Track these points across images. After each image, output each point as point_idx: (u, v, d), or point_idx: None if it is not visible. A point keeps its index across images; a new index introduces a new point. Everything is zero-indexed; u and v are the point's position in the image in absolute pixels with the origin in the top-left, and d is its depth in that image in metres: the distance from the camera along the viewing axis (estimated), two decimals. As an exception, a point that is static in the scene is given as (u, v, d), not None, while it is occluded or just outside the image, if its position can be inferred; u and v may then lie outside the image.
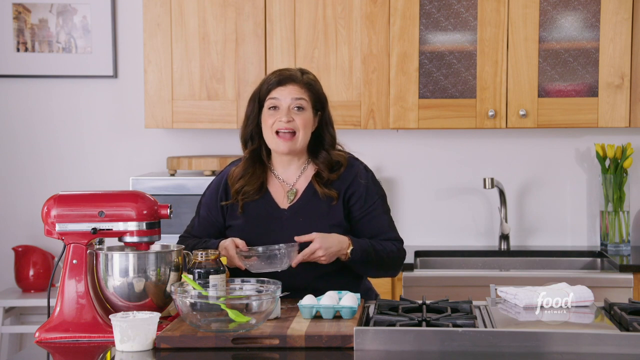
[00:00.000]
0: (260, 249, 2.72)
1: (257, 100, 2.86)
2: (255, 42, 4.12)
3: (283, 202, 2.88)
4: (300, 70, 2.89)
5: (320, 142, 2.90)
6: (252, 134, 2.89)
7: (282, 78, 2.83)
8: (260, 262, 2.71)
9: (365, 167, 2.94)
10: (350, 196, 2.86)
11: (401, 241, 2.91)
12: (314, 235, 2.72)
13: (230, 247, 2.74)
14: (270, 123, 2.81)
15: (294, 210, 2.86)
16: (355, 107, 4.11)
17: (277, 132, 2.81)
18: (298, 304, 2.52)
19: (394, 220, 2.97)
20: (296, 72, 2.87)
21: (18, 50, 4.44)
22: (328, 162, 2.88)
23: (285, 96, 2.81)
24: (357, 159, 2.95)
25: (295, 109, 2.81)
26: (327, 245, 2.72)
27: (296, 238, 2.72)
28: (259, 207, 2.87)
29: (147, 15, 4.12)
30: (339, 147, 2.95)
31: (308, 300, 2.53)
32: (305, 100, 2.82)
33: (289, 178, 2.90)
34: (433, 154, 4.43)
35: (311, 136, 2.88)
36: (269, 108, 2.82)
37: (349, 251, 2.76)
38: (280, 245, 2.72)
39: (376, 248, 2.82)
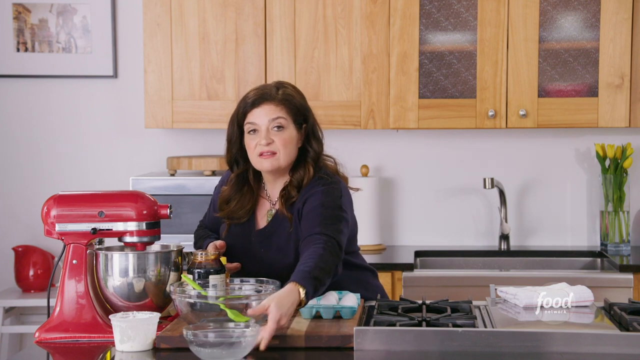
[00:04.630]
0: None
1: (236, 124, 2.76)
2: (255, 42, 4.12)
3: (261, 222, 2.81)
4: (276, 85, 2.77)
5: (304, 157, 2.77)
6: (237, 157, 2.80)
7: (256, 98, 2.71)
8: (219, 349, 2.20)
9: (325, 182, 2.73)
10: (300, 210, 2.72)
11: (328, 235, 2.58)
12: (267, 305, 2.30)
13: (210, 249, 2.72)
14: (252, 146, 2.72)
15: (260, 238, 2.78)
16: (355, 107, 4.11)
17: (260, 154, 2.71)
18: (298, 304, 2.51)
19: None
20: (271, 90, 2.74)
21: (18, 50, 4.44)
22: (300, 179, 2.75)
23: (262, 118, 2.70)
24: (323, 177, 2.75)
25: (275, 129, 2.70)
26: (284, 310, 2.30)
27: (249, 312, 2.31)
28: (241, 228, 2.82)
29: (147, 15, 4.12)
30: (328, 159, 2.83)
31: (308, 300, 2.53)
32: (283, 118, 2.70)
33: (274, 197, 2.82)
34: (433, 154, 4.43)
35: (300, 150, 2.77)
36: (249, 132, 2.72)
37: (302, 297, 2.38)
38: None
39: (311, 266, 2.47)
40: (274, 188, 2.81)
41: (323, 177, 2.75)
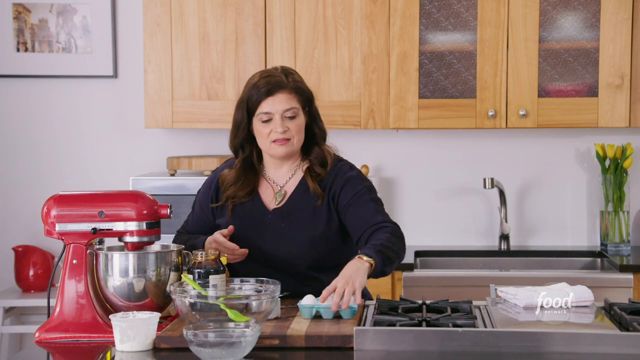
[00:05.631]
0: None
1: (246, 109, 2.82)
2: (255, 42, 4.12)
3: (271, 204, 2.86)
4: (283, 72, 2.83)
5: (312, 137, 2.88)
6: (243, 142, 2.87)
7: (270, 88, 2.77)
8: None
9: (351, 165, 2.90)
10: (335, 192, 2.81)
11: (393, 222, 2.77)
12: (333, 285, 2.49)
13: (217, 235, 2.75)
14: (265, 133, 2.79)
15: (278, 215, 2.84)
16: (355, 107, 4.11)
17: (274, 140, 2.79)
18: (298, 304, 2.52)
19: (395, 219, 2.94)
20: (282, 77, 2.80)
21: (18, 50, 4.44)
22: (320, 158, 2.86)
23: (277, 107, 2.77)
24: (342, 159, 2.92)
25: (288, 117, 2.78)
26: (350, 274, 2.49)
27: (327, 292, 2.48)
28: (247, 209, 2.86)
29: (147, 15, 4.12)
30: (329, 146, 2.92)
31: (308, 300, 2.53)
32: (296, 107, 2.79)
33: (280, 179, 2.88)
34: (433, 154, 4.43)
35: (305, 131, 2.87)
36: (262, 121, 2.78)
37: (372, 262, 2.56)
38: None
39: (381, 245, 2.64)
40: (278, 171, 2.88)
41: (342, 159, 2.91)
